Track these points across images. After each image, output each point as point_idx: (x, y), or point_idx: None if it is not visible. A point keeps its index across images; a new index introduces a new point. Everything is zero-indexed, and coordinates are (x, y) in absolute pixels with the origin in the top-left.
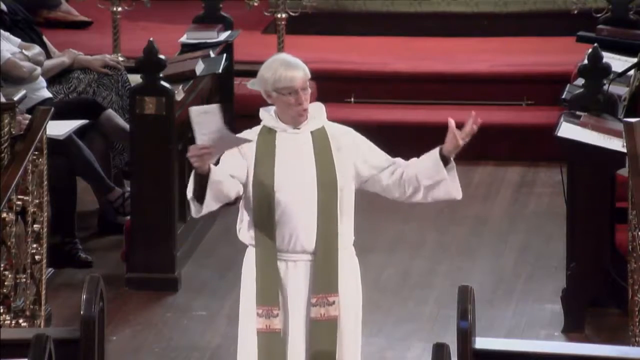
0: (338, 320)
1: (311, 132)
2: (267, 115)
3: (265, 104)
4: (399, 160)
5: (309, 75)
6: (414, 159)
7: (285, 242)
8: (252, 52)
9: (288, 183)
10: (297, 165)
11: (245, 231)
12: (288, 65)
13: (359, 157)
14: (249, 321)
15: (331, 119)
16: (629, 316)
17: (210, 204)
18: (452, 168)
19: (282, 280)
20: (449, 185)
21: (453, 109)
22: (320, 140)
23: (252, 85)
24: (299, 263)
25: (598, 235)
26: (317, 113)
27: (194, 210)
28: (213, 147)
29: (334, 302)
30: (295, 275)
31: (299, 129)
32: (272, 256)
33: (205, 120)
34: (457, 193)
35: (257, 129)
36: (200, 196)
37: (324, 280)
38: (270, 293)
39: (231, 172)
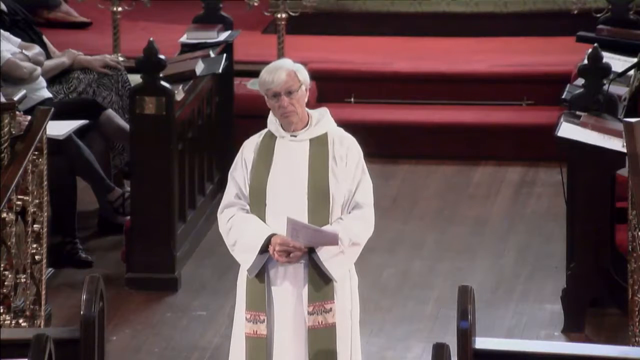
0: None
1: (310, 140)
2: (271, 120)
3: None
4: (357, 206)
5: (299, 79)
6: (345, 221)
7: None
8: (252, 52)
9: (279, 190)
10: (290, 173)
11: None
12: (270, 69)
13: (342, 170)
14: (240, 324)
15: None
16: (629, 316)
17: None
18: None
19: (273, 286)
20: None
21: (453, 109)
22: (318, 148)
23: (252, 85)
24: (289, 269)
25: (598, 235)
26: (320, 119)
27: (253, 269)
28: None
29: (330, 309)
30: (286, 281)
31: (295, 135)
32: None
33: (302, 231)
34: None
35: (262, 133)
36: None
37: (319, 288)
38: (258, 299)
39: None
